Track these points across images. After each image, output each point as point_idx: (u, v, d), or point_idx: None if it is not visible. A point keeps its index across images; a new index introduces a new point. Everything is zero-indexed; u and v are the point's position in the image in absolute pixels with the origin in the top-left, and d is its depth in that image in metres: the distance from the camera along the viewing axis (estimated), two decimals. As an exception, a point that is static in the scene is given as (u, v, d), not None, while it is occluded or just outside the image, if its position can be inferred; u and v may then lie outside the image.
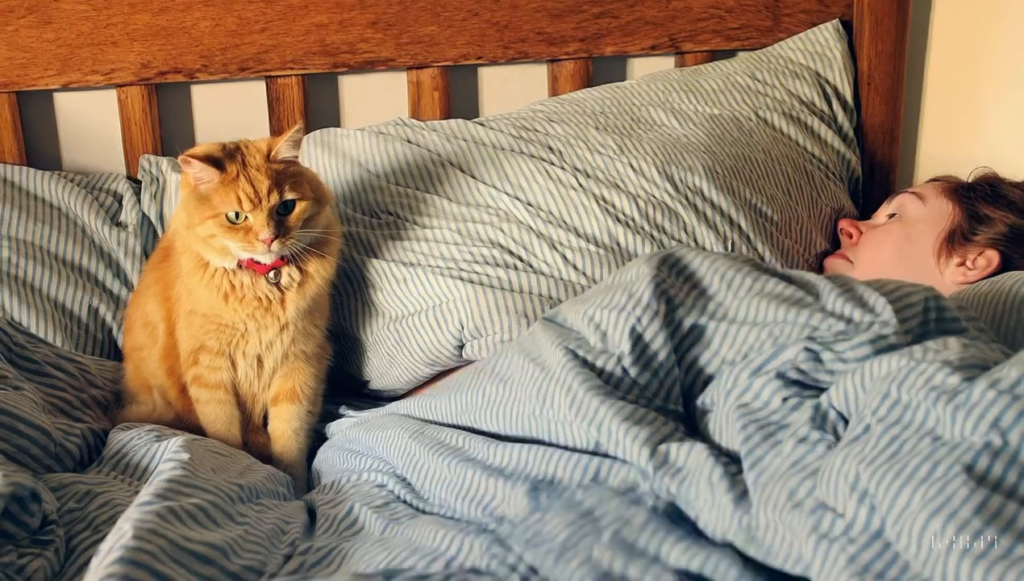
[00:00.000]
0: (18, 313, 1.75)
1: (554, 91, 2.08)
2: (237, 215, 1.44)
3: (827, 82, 2.05)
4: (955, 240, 1.76)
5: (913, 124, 2.18)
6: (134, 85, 1.96)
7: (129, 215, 1.93)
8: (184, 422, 1.60)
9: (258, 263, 1.52)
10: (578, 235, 1.76)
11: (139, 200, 1.94)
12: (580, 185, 1.80)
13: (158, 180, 1.95)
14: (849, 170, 2.04)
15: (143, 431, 1.43)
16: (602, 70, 2.10)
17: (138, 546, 1.03)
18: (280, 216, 1.46)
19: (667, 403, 1.21)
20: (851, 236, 1.90)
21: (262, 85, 2.01)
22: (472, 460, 1.24)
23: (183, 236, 1.51)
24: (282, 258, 1.52)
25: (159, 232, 1.92)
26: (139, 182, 1.97)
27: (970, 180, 1.86)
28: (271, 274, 1.53)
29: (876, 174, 2.13)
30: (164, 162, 1.96)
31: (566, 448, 1.19)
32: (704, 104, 1.98)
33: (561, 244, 1.75)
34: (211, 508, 1.18)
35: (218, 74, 1.97)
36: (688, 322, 1.23)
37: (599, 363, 1.21)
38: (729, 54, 2.11)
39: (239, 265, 1.52)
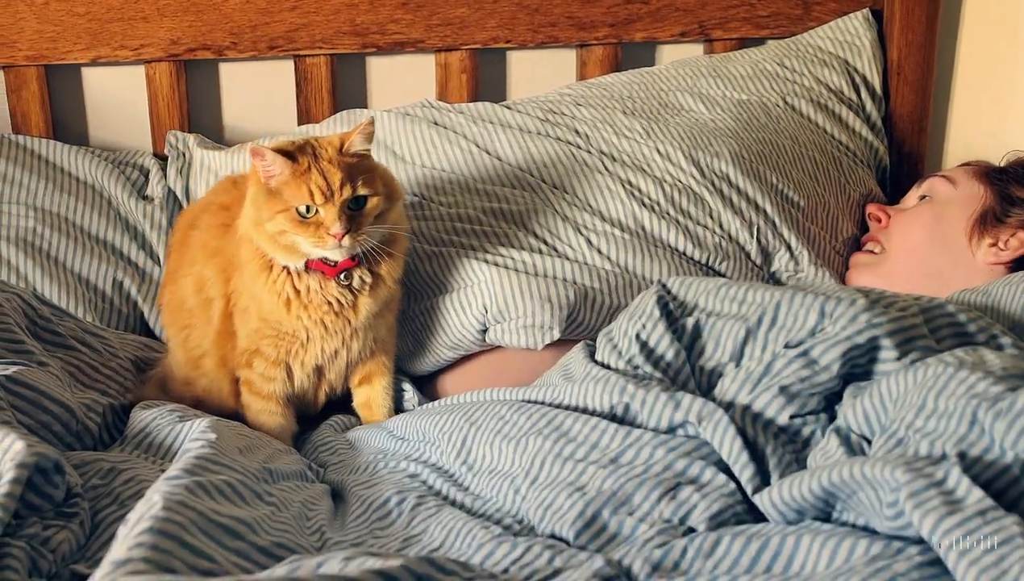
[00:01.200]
0: (42, 286, 1.77)
1: (582, 76, 2.07)
2: (308, 209, 1.39)
3: (856, 71, 2.04)
4: (987, 221, 1.74)
5: (942, 113, 2.17)
6: (163, 61, 1.96)
7: (156, 189, 1.93)
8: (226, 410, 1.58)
9: (327, 264, 1.47)
10: (603, 219, 1.76)
11: (165, 175, 1.94)
12: (606, 169, 1.80)
13: (184, 155, 1.95)
14: (877, 159, 2.03)
15: (165, 411, 1.42)
16: (631, 56, 2.09)
17: (168, 517, 1.03)
18: (352, 211, 1.41)
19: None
20: (880, 220, 1.87)
21: (290, 64, 2.01)
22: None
23: (250, 234, 1.46)
24: (352, 258, 1.48)
25: (184, 206, 1.92)
26: (165, 158, 1.97)
27: (1002, 164, 1.85)
28: (341, 275, 1.48)
29: (904, 164, 2.12)
30: (191, 138, 1.96)
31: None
32: (732, 90, 1.97)
33: (586, 227, 1.74)
34: (239, 486, 1.18)
35: (247, 52, 1.97)
36: (690, 322, 1.34)
37: (614, 366, 1.34)
38: (758, 42, 2.10)
39: (307, 267, 1.47)
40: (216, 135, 2.04)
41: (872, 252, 1.85)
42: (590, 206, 1.77)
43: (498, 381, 1.66)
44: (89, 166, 1.92)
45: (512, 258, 1.69)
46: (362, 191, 1.42)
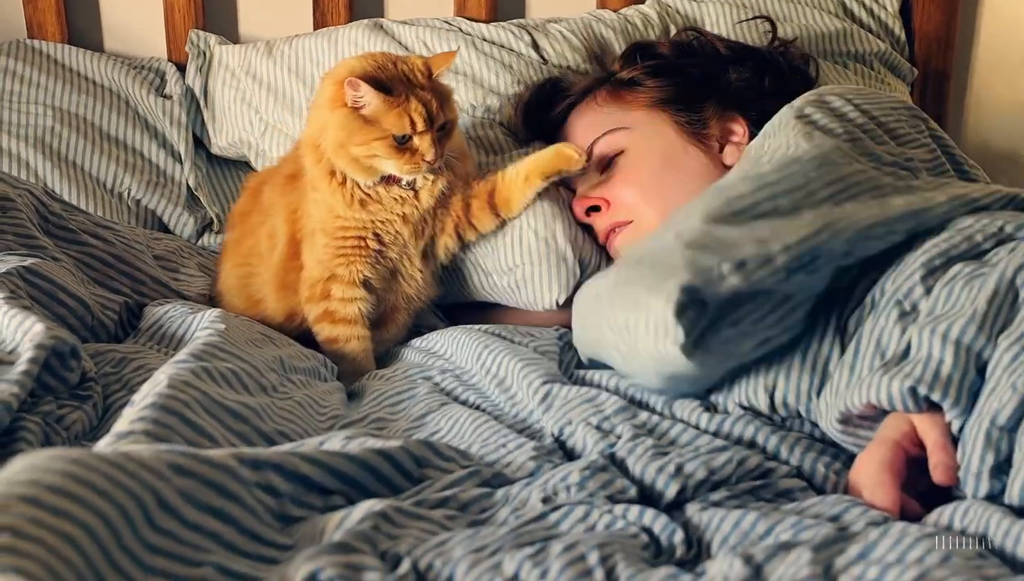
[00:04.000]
0: (59, 186, 1.77)
1: (603, -2, 2.04)
2: (405, 137, 1.41)
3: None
4: (693, 128, 1.58)
5: (969, 31, 2.12)
6: (180, -29, 1.94)
7: (173, 88, 1.93)
8: None
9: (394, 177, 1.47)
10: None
11: (183, 77, 1.94)
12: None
13: (204, 54, 1.94)
14: (900, 76, 2.00)
15: (178, 305, 1.43)
16: (653, -23, 2.04)
17: (172, 394, 1.02)
18: (439, 134, 1.44)
19: None
20: (600, 208, 1.57)
21: (308, -25, 1.99)
22: None
23: (330, 154, 1.44)
24: None
25: (202, 105, 1.92)
26: (181, 67, 1.96)
27: (625, 75, 1.65)
28: (404, 181, 1.48)
29: (930, 82, 2.08)
30: (212, 38, 1.95)
31: None
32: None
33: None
34: (244, 375, 1.18)
35: (265, -40, 1.95)
36: None
37: None
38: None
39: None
40: (234, 46, 2.02)
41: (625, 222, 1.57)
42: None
43: None
44: (106, 68, 1.92)
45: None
46: (450, 116, 1.45)
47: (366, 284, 1.49)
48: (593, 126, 1.61)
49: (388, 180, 1.46)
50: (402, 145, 1.40)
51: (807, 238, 1.06)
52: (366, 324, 1.50)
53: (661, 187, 1.53)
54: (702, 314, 1.05)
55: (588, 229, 1.58)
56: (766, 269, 1.04)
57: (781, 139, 1.29)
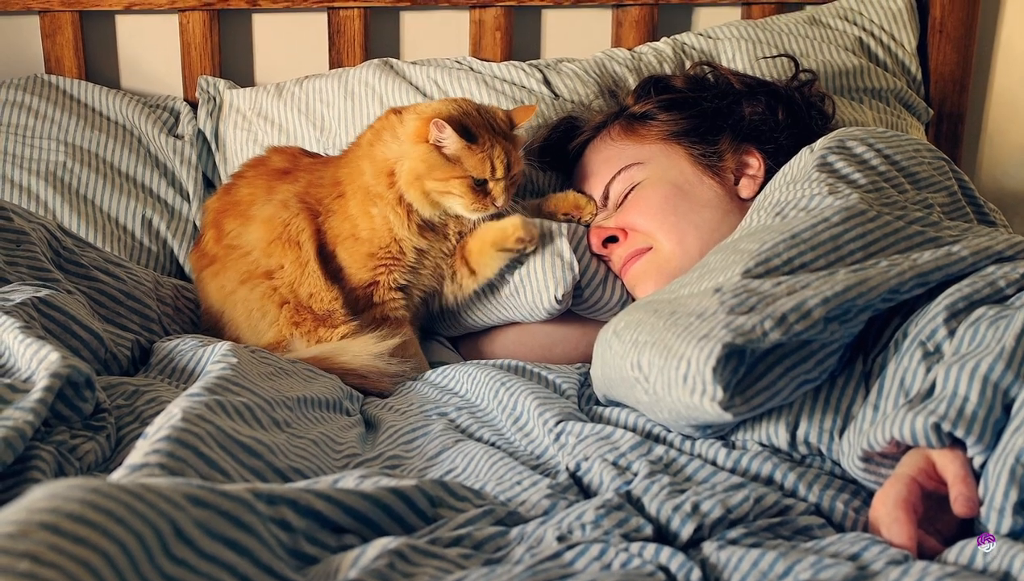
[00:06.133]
0: (69, 221, 1.78)
1: (617, 36, 2.05)
2: (483, 181, 1.49)
3: (892, 37, 2.01)
4: (707, 159, 1.59)
5: (984, 72, 2.12)
6: (196, 10, 1.95)
7: (186, 128, 1.94)
8: None
9: None
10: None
11: (196, 117, 1.95)
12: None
13: (215, 99, 1.95)
14: (915, 114, 2.00)
15: (188, 338, 1.43)
16: (667, 18, 2.06)
17: (186, 428, 1.02)
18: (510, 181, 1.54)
19: None
20: (617, 238, 1.57)
21: (323, 17, 2.00)
22: None
23: (403, 182, 1.51)
24: None
25: (213, 148, 1.93)
26: (196, 105, 1.97)
27: (637, 110, 1.66)
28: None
29: (944, 123, 2.08)
30: (221, 83, 1.96)
31: None
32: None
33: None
34: (257, 410, 1.17)
35: (281, 2, 1.96)
36: None
37: None
38: (796, 8, 2.07)
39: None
40: (247, 86, 2.03)
41: (645, 249, 1.57)
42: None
43: (519, 352, 1.64)
44: (120, 106, 1.93)
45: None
46: (521, 166, 1.55)
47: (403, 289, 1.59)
48: (608, 162, 1.62)
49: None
50: (478, 187, 1.49)
51: (840, 294, 1.09)
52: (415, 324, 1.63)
53: (677, 216, 1.54)
54: (739, 366, 1.07)
55: (604, 260, 1.60)
56: (804, 322, 1.07)
57: (806, 189, 1.30)
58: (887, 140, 1.37)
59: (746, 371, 1.09)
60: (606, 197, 1.62)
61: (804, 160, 1.36)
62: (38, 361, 1.16)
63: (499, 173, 1.49)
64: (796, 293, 1.10)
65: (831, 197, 1.26)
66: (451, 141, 1.47)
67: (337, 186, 1.57)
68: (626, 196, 1.59)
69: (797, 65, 1.77)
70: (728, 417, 1.07)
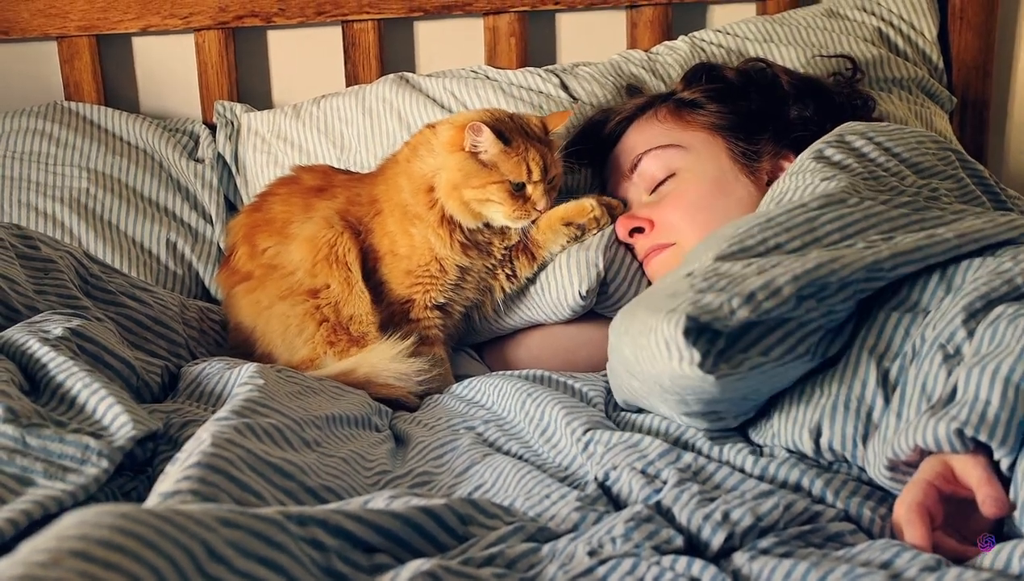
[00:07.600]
0: (94, 247, 1.79)
1: (632, 37, 2.04)
2: (520, 184, 1.49)
3: (912, 26, 1.99)
4: (746, 157, 1.59)
5: (1007, 58, 2.10)
6: (211, 29, 1.97)
7: (206, 152, 1.95)
8: None
9: None
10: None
11: (215, 140, 1.96)
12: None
13: (232, 123, 1.96)
14: (939, 103, 1.98)
15: (214, 362, 1.43)
16: (682, 17, 2.06)
17: (216, 452, 1.02)
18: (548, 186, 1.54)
19: None
20: (643, 230, 1.59)
21: (338, 30, 2.00)
22: None
23: (442, 194, 1.52)
24: None
25: (233, 171, 1.94)
26: (214, 126, 1.98)
27: (687, 97, 1.67)
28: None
29: (969, 111, 2.07)
30: (238, 107, 1.97)
31: None
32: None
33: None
34: (287, 431, 1.17)
35: (295, 18, 1.97)
36: None
37: None
38: (813, 1, 2.06)
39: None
40: (265, 103, 2.04)
41: (668, 245, 1.59)
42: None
43: (543, 356, 1.65)
44: (140, 130, 1.95)
45: None
46: (558, 170, 1.55)
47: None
48: (650, 139, 1.63)
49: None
50: (517, 192, 1.49)
51: (811, 271, 1.10)
52: (448, 345, 1.64)
53: (708, 213, 1.55)
54: (716, 339, 1.08)
55: (629, 248, 1.62)
56: (774, 299, 1.08)
57: (799, 180, 1.32)
58: (888, 133, 1.38)
59: (737, 350, 1.09)
60: (634, 167, 1.63)
61: (803, 155, 1.38)
62: (112, 417, 1.18)
63: (536, 175, 1.49)
64: (766, 272, 1.11)
65: (823, 184, 1.27)
66: (487, 143, 1.48)
67: (375, 204, 1.57)
68: (661, 182, 1.60)
69: (855, 65, 1.77)
70: (711, 379, 1.07)
